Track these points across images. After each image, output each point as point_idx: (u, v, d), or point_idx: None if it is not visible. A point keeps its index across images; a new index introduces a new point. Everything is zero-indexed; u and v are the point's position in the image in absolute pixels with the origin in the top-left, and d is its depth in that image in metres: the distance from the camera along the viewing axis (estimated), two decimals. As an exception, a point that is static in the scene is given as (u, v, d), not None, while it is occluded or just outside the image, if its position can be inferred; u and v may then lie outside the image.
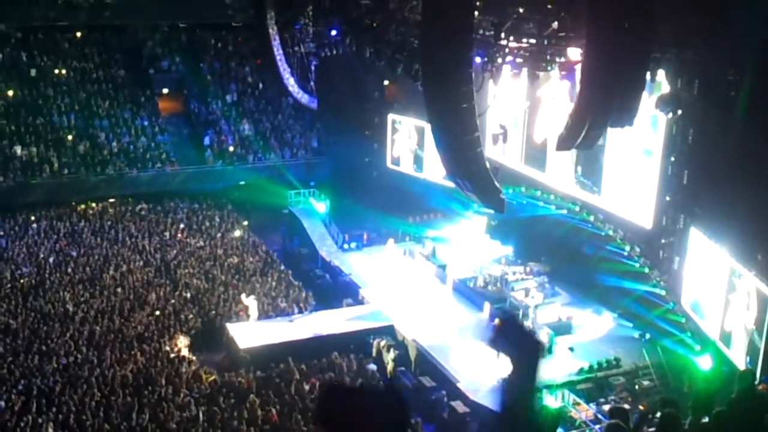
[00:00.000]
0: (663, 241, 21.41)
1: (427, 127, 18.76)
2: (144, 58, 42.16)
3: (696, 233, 19.79)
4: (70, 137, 37.33)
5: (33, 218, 33.74)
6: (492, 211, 23.57)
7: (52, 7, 39.58)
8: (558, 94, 22.53)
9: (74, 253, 30.21)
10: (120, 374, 21.02)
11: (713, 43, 17.15)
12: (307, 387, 20.83)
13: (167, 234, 32.70)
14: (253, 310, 25.35)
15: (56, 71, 40.08)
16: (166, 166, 37.65)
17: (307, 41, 31.82)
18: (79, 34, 41.75)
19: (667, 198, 20.94)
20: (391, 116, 34.85)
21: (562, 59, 18.46)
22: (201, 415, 19.16)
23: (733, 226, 17.96)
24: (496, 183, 17.67)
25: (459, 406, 21.04)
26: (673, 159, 20.46)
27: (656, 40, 15.25)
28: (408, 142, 34.06)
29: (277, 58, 31.56)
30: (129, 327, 24.16)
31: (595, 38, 13.81)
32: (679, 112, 18.53)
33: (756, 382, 12.35)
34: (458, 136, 16.50)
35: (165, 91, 41.54)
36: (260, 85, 42.71)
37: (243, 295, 25.85)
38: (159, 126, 39.73)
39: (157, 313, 25.34)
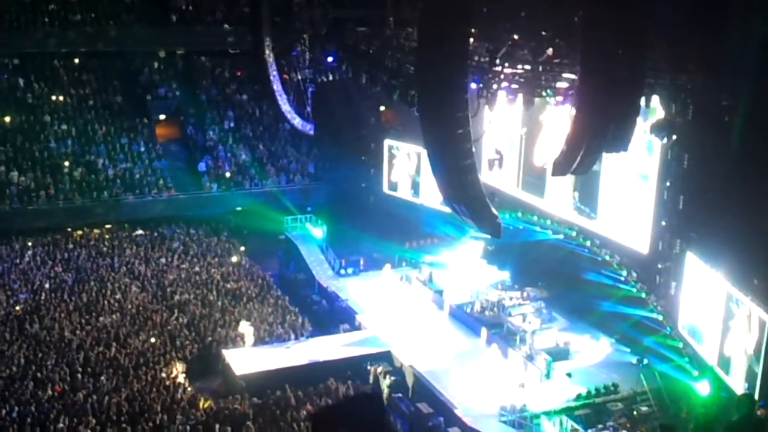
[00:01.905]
0: (659, 266, 21.42)
1: (424, 152, 18.80)
2: (141, 84, 42.30)
3: (692, 258, 19.81)
4: (66, 163, 37.32)
5: (29, 244, 33.64)
6: (488, 237, 23.55)
7: (50, 34, 39.73)
8: (557, 119, 22.64)
9: (70, 279, 30.11)
10: (115, 401, 20.87)
11: (707, 69, 17.26)
12: (303, 414, 20.69)
13: (163, 260, 32.61)
14: (249, 337, 25.28)
15: (53, 97, 40.16)
16: (163, 192, 37.63)
17: (304, 67, 31.92)
18: (76, 61, 41.90)
19: (663, 223, 20.98)
20: (387, 142, 34.96)
21: (557, 85, 18.56)
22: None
23: (729, 251, 17.98)
24: (492, 208, 17.67)
25: (456, 433, 20.91)
26: (668, 184, 20.52)
27: (651, 65, 15.33)
28: (404, 168, 34.12)
29: (274, 84, 31.65)
30: (125, 353, 24.03)
31: (589, 64, 13.88)
32: (674, 137, 18.61)
33: (755, 407, 12.30)
34: (454, 162, 16.52)
35: (162, 117, 41.62)
36: (257, 112, 42.84)
37: (243, 322, 25.78)
38: (156, 152, 39.76)
39: (153, 339, 25.20)
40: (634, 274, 22.63)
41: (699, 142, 18.73)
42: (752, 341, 17.31)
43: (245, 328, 25.40)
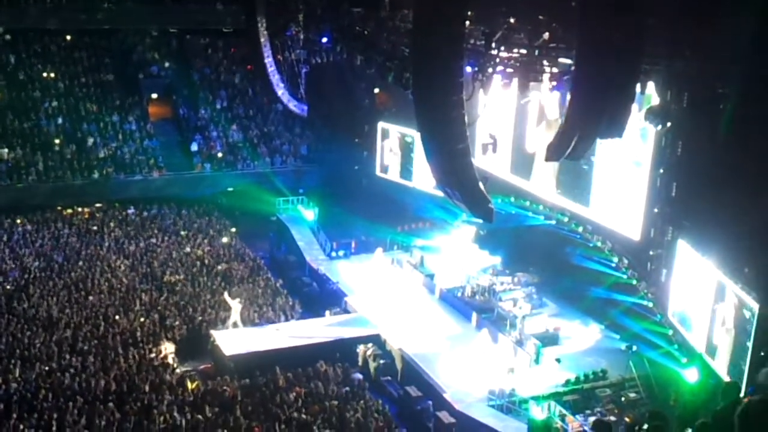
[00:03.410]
0: (651, 252, 21.39)
1: (417, 135, 18.72)
2: (133, 62, 42.03)
3: (684, 245, 19.79)
4: (57, 141, 37.15)
5: (18, 222, 33.48)
6: (481, 221, 23.52)
7: (42, 10, 39.38)
8: (549, 104, 22.55)
9: (59, 258, 29.98)
10: (103, 381, 20.81)
11: (703, 56, 17.18)
12: (292, 396, 20.69)
13: (153, 240, 32.49)
14: (236, 313, 25.21)
15: (45, 74, 39.91)
16: (154, 171, 37.48)
17: (298, 48, 31.74)
18: (68, 38, 41.57)
19: (656, 210, 20.94)
20: (381, 124, 34.80)
21: (553, 70, 18.46)
22: (184, 423, 18.99)
23: (721, 239, 17.96)
24: (485, 193, 17.61)
25: (445, 417, 20.94)
26: (661, 171, 20.46)
27: (646, 52, 15.26)
28: (398, 151, 34.00)
29: (268, 64, 31.47)
30: (114, 333, 23.95)
31: (585, 50, 13.79)
32: (669, 124, 18.53)
33: (741, 395, 12.31)
34: (448, 145, 16.44)
35: (154, 96, 41.42)
36: (250, 92, 42.62)
37: (226, 294, 25.71)
38: (147, 131, 39.58)
39: (143, 319, 25.13)
40: (626, 261, 22.62)
41: (693, 130, 18.67)
42: (741, 329, 17.36)
43: (233, 303, 25.32)
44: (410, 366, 23.70)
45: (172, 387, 21.09)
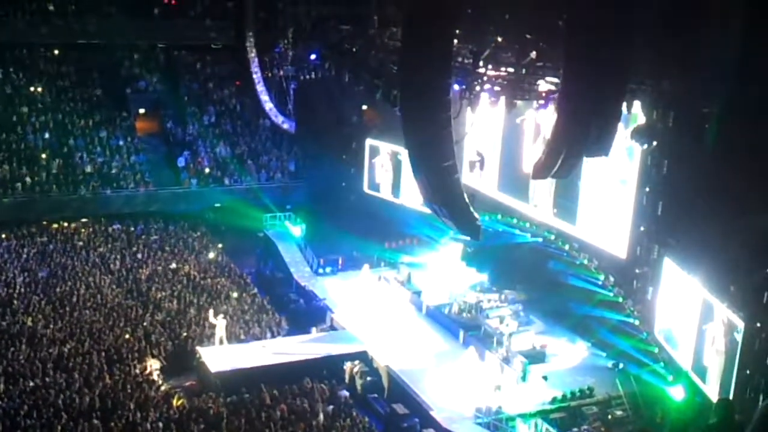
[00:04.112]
0: (637, 270, 21.49)
1: (405, 152, 18.76)
2: (121, 77, 41.95)
3: (669, 264, 19.89)
4: (43, 155, 36.95)
5: (3, 236, 33.25)
6: (468, 238, 23.56)
7: (30, 24, 39.28)
8: (540, 123, 22.65)
9: (44, 273, 29.76)
10: (88, 397, 20.64)
11: (689, 76, 17.33)
12: (278, 413, 20.57)
13: (140, 255, 32.33)
14: (221, 330, 25.08)
15: (32, 89, 39.74)
16: (141, 186, 37.35)
17: (287, 65, 31.82)
18: (56, 52, 41.47)
19: (642, 228, 21.05)
20: (369, 141, 34.86)
21: (540, 88, 18.57)
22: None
23: (707, 258, 18.06)
24: (472, 210, 17.65)
25: (432, 434, 20.88)
26: (647, 190, 20.59)
27: (633, 71, 15.37)
28: (390, 168, 34.03)
29: (256, 80, 31.52)
30: (98, 349, 23.76)
31: (572, 68, 13.87)
32: (654, 143, 18.67)
33: (733, 412, 12.32)
34: (435, 163, 16.47)
35: (142, 111, 41.31)
36: (238, 108, 42.62)
37: (211, 312, 25.57)
38: (134, 146, 39.44)
39: (127, 335, 24.96)
40: (612, 279, 22.70)
41: (679, 149, 18.81)
42: (728, 348, 17.41)
43: (218, 321, 25.18)
44: (397, 383, 23.63)
45: (158, 404, 20.94)
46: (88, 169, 37.15)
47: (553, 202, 24.59)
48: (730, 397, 16.77)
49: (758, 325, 16.47)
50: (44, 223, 35.01)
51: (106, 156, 38.04)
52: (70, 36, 40.14)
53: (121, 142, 39.11)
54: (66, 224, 35.34)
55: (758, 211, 16.25)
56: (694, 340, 18.77)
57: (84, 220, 35.78)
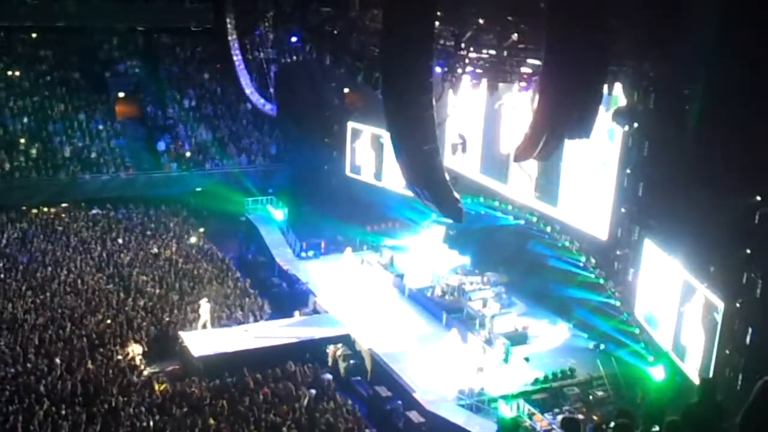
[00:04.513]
0: (618, 252, 21.61)
1: (386, 135, 18.69)
2: (100, 60, 41.54)
3: (650, 245, 20.01)
4: (22, 140, 36.60)
5: (-18, 222, 32.97)
6: (450, 221, 23.60)
7: (7, 8, 38.77)
8: (519, 105, 22.65)
9: (24, 259, 29.54)
10: (70, 383, 20.54)
11: (669, 57, 17.36)
12: (260, 397, 20.58)
13: (120, 240, 32.15)
14: (205, 313, 25.04)
15: (9, 73, 39.30)
16: (121, 170, 37.09)
17: (267, 47, 31.56)
18: (34, 36, 40.97)
19: (623, 210, 21.15)
20: (350, 124, 34.77)
21: (522, 70, 18.55)
22: (152, 424, 18.81)
23: (687, 239, 18.18)
24: (454, 193, 17.64)
25: (414, 416, 20.97)
26: (628, 171, 20.68)
27: (614, 53, 15.37)
28: (371, 151, 33.97)
29: (236, 63, 31.27)
30: (80, 335, 23.65)
31: (553, 50, 13.85)
32: (635, 125, 18.73)
33: (716, 391, 12.45)
34: (417, 145, 16.43)
35: (121, 94, 40.96)
36: (218, 91, 42.34)
37: (203, 301, 25.51)
38: (114, 130, 39.16)
39: (109, 320, 24.85)
40: (593, 260, 22.83)
41: (659, 130, 18.88)
42: (707, 328, 17.57)
43: (202, 304, 25.16)
44: (380, 366, 23.70)
45: (140, 389, 20.89)
46: (68, 153, 36.84)
47: (534, 185, 24.64)
48: (710, 375, 16.96)
49: (738, 305, 16.63)
50: (24, 208, 34.74)
51: (85, 140, 37.73)
52: (48, 19, 39.66)
53: (100, 126, 38.82)
54: (46, 209, 35.07)
55: (738, 191, 16.36)
56: (674, 321, 18.94)
57: (64, 204, 35.54)
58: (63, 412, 19.06)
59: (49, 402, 19.59)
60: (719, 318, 16.90)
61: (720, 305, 16.90)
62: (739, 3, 15.25)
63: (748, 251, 16.36)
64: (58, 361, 21.89)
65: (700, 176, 17.08)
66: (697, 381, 16.95)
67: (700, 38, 16.27)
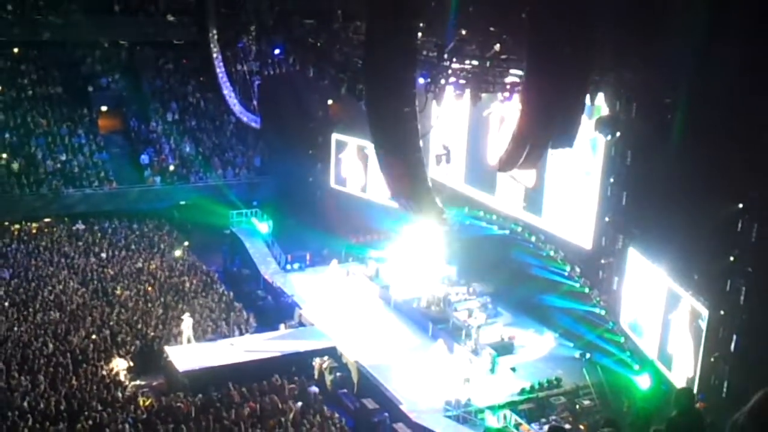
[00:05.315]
0: (602, 261, 21.70)
1: (371, 146, 18.71)
2: (83, 75, 41.34)
3: (634, 254, 20.10)
4: (4, 155, 36.33)
5: (-36, 238, 32.68)
6: (435, 231, 23.62)
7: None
8: (505, 115, 22.73)
9: (6, 275, 29.27)
10: (54, 399, 20.35)
11: (651, 67, 17.50)
12: (246, 411, 20.46)
13: (104, 255, 31.95)
14: (187, 329, 24.88)
15: (-9, 87, 39.06)
16: (104, 185, 36.89)
17: (250, 60, 31.53)
18: (15, 50, 40.75)
19: (606, 219, 21.25)
20: (334, 136, 34.77)
21: (505, 81, 18.64)
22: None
23: (671, 247, 18.28)
24: (439, 203, 17.68)
25: (401, 429, 20.91)
26: (612, 180, 20.79)
27: (596, 63, 15.47)
28: (358, 162, 33.96)
29: (220, 76, 31.23)
30: (64, 350, 23.45)
31: (536, 61, 13.93)
32: (618, 134, 18.84)
33: (693, 401, 12.49)
34: (401, 156, 16.47)
35: (104, 108, 40.77)
36: (202, 104, 42.25)
37: (186, 316, 25.37)
38: (97, 144, 38.95)
39: (94, 336, 24.65)
40: (578, 270, 22.90)
41: (642, 140, 19.01)
42: (692, 336, 17.64)
43: (184, 318, 25.02)
44: (366, 378, 23.62)
45: (125, 404, 20.72)
46: (50, 167, 36.61)
47: (525, 195, 24.71)
48: (695, 383, 17.03)
49: (722, 312, 16.71)
50: (6, 223, 34.44)
51: (68, 154, 37.50)
52: (30, 34, 39.46)
53: (83, 140, 38.59)
54: (28, 224, 34.80)
55: (721, 199, 16.48)
56: (659, 329, 19.01)
57: (47, 219, 35.27)
58: (47, 429, 18.86)
59: (33, 419, 19.40)
60: (704, 325, 16.99)
61: (704, 313, 16.99)
62: (720, 13, 15.39)
63: (732, 259, 16.48)
64: (41, 377, 21.69)
65: (683, 185, 17.19)
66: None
67: (681, 48, 16.40)
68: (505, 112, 22.59)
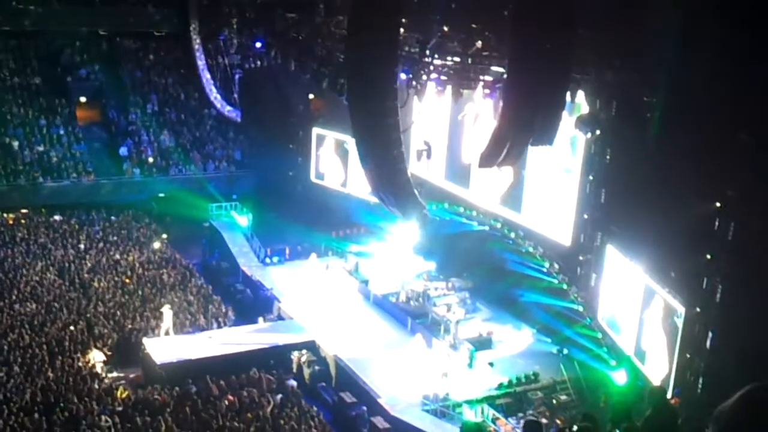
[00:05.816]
0: (581, 257, 21.86)
1: (352, 141, 18.75)
2: (62, 65, 40.93)
3: (612, 251, 20.27)
4: (-19, 145, 35.97)
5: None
6: (415, 227, 23.67)
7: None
8: (480, 112, 22.83)
9: (-18, 265, 29.02)
10: (29, 391, 20.22)
11: (631, 66, 17.64)
12: (224, 404, 20.44)
13: (82, 246, 31.72)
14: (168, 320, 24.79)
15: (-32, 77, 38.61)
16: (83, 176, 36.61)
17: (232, 53, 31.44)
18: (-7, 39, 40.32)
19: (585, 216, 21.41)
20: (315, 130, 34.73)
21: (486, 78, 18.72)
22: (114, 432, 18.61)
23: (648, 244, 18.45)
24: (419, 198, 17.76)
25: (379, 422, 20.97)
26: (591, 178, 20.94)
27: (576, 61, 15.58)
28: (336, 157, 33.95)
29: (200, 68, 31.14)
30: (40, 342, 23.29)
31: (517, 58, 14.02)
32: (598, 132, 18.98)
33: (666, 398, 12.64)
34: (382, 151, 16.53)
35: (83, 99, 40.40)
36: (182, 96, 41.98)
37: (166, 308, 25.27)
38: (75, 135, 38.59)
39: (71, 327, 24.50)
40: (556, 266, 23.05)
41: (621, 138, 19.16)
42: (666, 332, 17.84)
43: (164, 311, 24.94)
44: (345, 372, 23.66)
45: (101, 396, 20.63)
46: (28, 158, 36.28)
47: (504, 192, 24.83)
48: (671, 379, 17.22)
49: (698, 309, 16.90)
50: (-18, 214, 34.12)
51: (46, 145, 37.17)
52: (8, 23, 39.03)
53: (61, 131, 38.22)
54: (5, 215, 34.46)
55: (698, 198, 16.65)
56: (636, 326, 19.19)
57: (24, 210, 34.93)
58: (22, 421, 18.74)
59: (8, 410, 19.27)
60: (680, 322, 17.17)
61: (681, 310, 17.18)
62: (699, 13, 15.54)
63: (708, 257, 16.66)
64: (17, 369, 21.55)
65: (661, 183, 17.36)
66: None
67: (661, 47, 16.56)
68: (480, 109, 22.70)
